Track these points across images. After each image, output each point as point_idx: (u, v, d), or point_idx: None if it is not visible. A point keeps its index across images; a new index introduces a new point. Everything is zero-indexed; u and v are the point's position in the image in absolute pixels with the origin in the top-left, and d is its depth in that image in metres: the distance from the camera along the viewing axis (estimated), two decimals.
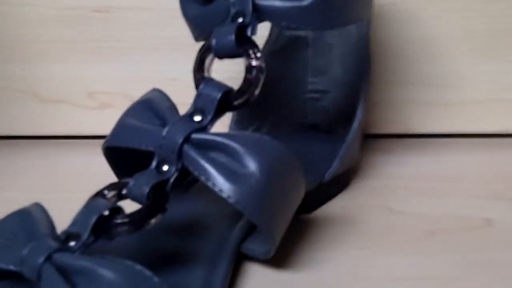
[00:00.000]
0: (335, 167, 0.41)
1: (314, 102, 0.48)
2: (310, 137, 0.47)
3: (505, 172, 0.46)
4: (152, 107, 0.34)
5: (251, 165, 0.30)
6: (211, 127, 0.32)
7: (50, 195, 0.41)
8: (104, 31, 0.52)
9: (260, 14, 0.33)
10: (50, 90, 0.55)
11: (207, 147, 0.30)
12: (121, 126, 0.34)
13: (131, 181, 0.30)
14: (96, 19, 0.52)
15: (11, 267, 0.26)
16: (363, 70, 0.43)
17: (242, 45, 0.33)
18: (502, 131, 0.53)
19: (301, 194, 0.34)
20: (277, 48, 0.46)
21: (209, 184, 0.30)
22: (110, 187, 0.30)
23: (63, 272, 0.25)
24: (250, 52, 0.33)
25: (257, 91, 0.32)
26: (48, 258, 0.25)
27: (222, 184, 0.29)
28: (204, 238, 0.35)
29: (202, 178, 0.30)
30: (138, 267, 0.26)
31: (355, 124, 0.42)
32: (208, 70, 0.35)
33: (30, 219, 0.29)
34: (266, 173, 0.30)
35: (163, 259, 0.33)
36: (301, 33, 0.46)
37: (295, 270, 0.35)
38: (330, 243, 0.37)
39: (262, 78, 0.33)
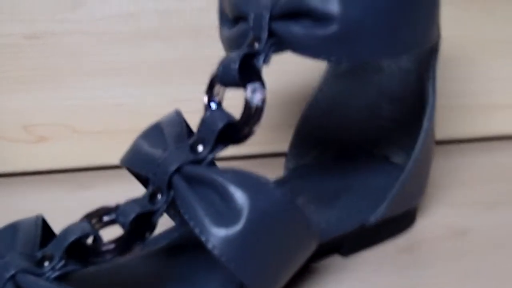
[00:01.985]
0: (382, 209, 0.36)
1: (386, 131, 0.43)
2: (376, 169, 0.42)
3: None
4: (162, 131, 0.32)
5: (240, 210, 0.27)
6: (210, 159, 0.29)
7: None
8: (37, 58, 0.50)
9: (277, 41, 0.29)
10: None
11: (197, 181, 0.28)
12: (132, 147, 0.33)
13: (121, 206, 0.28)
14: (28, 46, 0.49)
15: None
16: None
17: (246, 75, 0.29)
18: None
19: (305, 249, 0.31)
20: (343, 70, 0.42)
21: (191, 224, 0.27)
22: (101, 210, 0.28)
23: None
24: (253, 84, 0.29)
25: (256, 127, 0.29)
26: (13, 277, 0.25)
27: (205, 228, 0.27)
28: None
29: (186, 217, 0.27)
30: None
31: (410, 164, 0.36)
32: (220, 96, 0.31)
33: (16, 233, 0.29)
34: (255, 222, 0.27)
35: None
36: None
37: None
38: None
39: (262, 113, 0.29)
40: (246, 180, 0.27)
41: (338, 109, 0.42)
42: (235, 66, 0.28)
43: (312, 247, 0.31)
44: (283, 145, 0.44)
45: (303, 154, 0.43)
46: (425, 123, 0.35)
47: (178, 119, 0.32)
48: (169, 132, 0.31)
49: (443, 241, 0.38)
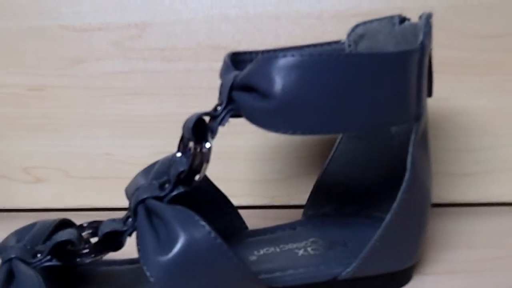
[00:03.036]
0: (353, 267, 0.37)
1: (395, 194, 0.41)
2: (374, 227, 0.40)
3: None
4: (153, 167, 0.37)
5: (175, 240, 0.31)
6: (170, 197, 0.34)
7: None
8: (38, 108, 0.55)
9: (235, 107, 0.33)
10: None
11: (153, 213, 0.33)
12: (133, 178, 0.38)
13: (102, 223, 0.36)
14: (31, 97, 0.55)
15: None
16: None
17: (197, 133, 0.34)
18: None
19: (241, 286, 0.34)
20: (355, 134, 0.45)
21: (138, 249, 0.33)
22: (91, 223, 0.37)
23: (11, 275, 0.34)
24: (200, 140, 0.34)
25: (198, 177, 0.34)
26: (10, 260, 0.34)
27: (146, 255, 0.32)
28: None
29: (137, 241, 0.33)
30: None
31: (380, 230, 0.36)
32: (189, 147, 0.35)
33: (31, 229, 0.37)
34: (185, 251, 0.31)
35: None
36: None
37: None
38: None
39: (204, 165, 0.34)
40: (186, 218, 0.32)
41: (355, 167, 0.45)
42: (191, 125, 0.33)
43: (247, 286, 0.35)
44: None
45: (321, 205, 0.47)
46: (399, 195, 0.36)
47: (170, 159, 0.37)
48: (156, 169, 0.36)
49: None
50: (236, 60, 0.37)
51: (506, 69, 0.51)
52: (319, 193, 0.46)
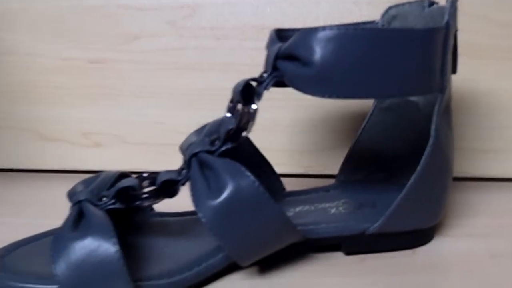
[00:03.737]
0: (379, 223, 0.42)
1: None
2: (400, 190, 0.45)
3: None
4: (205, 127, 0.43)
5: (223, 187, 0.36)
6: (219, 152, 0.39)
7: (51, 221, 0.47)
8: (98, 79, 0.60)
9: (279, 74, 0.38)
10: (50, 129, 0.62)
11: (205, 165, 0.38)
12: (186, 137, 0.43)
13: (160, 173, 0.41)
14: (92, 69, 0.60)
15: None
16: None
17: (246, 95, 0.38)
18: None
19: (278, 232, 0.38)
20: (386, 106, 0.49)
21: (191, 196, 0.37)
22: (150, 174, 0.42)
23: (81, 214, 0.38)
24: (248, 102, 0.38)
25: (245, 133, 0.39)
26: (79, 202, 0.39)
27: (199, 200, 0.37)
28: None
29: (190, 189, 0.38)
30: None
31: (404, 192, 0.41)
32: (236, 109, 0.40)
33: (96, 179, 0.42)
34: (232, 197, 0.36)
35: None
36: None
37: None
38: None
39: (251, 123, 0.38)
40: (234, 170, 0.37)
41: (385, 137, 0.50)
42: (240, 88, 0.38)
43: (290, 235, 0.39)
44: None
45: (354, 171, 0.51)
46: (423, 159, 0.40)
47: (220, 120, 0.42)
48: (207, 129, 0.42)
49: (444, 260, 0.42)
50: (281, 35, 0.41)
51: None
52: (351, 161, 0.51)
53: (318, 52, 0.35)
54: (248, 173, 0.37)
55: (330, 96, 0.36)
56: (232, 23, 0.57)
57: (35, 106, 0.62)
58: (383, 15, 0.45)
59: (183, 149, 0.41)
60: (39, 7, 0.59)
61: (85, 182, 0.43)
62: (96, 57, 0.60)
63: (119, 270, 0.35)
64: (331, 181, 0.53)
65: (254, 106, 0.38)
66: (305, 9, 0.56)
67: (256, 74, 0.56)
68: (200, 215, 0.36)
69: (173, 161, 0.59)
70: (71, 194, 0.41)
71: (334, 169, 0.58)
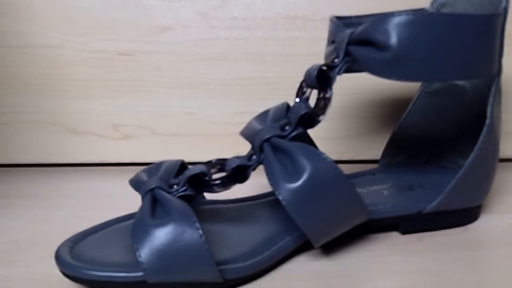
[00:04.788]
0: (436, 202, 0.43)
1: (462, 142, 0.51)
2: (447, 171, 0.51)
3: None
4: (268, 113, 0.43)
5: (303, 171, 0.37)
6: (292, 136, 0.40)
7: (95, 213, 0.49)
8: (127, 71, 0.60)
9: (351, 60, 0.39)
10: (78, 123, 0.62)
11: (279, 150, 0.39)
12: (247, 123, 0.44)
13: (229, 159, 0.41)
14: (121, 61, 0.59)
15: (137, 190, 0.41)
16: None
17: (322, 81, 0.39)
18: None
19: (352, 213, 0.40)
20: (432, 90, 0.50)
21: (269, 180, 0.38)
22: (218, 160, 0.42)
23: (155, 201, 0.39)
24: (324, 87, 0.39)
25: (322, 118, 0.40)
26: (152, 190, 0.39)
27: (278, 183, 0.37)
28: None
29: (267, 174, 0.38)
30: None
31: (462, 171, 0.43)
32: (307, 93, 0.42)
33: (160, 167, 0.43)
34: (312, 180, 0.37)
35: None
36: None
37: None
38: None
39: (327, 108, 0.39)
40: (311, 153, 0.38)
41: (427, 122, 0.51)
42: (314, 73, 0.39)
43: (360, 215, 0.41)
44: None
45: (395, 155, 0.53)
46: (480, 139, 0.42)
47: (282, 107, 0.43)
48: (271, 115, 0.42)
49: (495, 235, 0.45)
50: (345, 22, 0.43)
51: None
52: (394, 144, 0.52)
53: (395, 36, 0.36)
54: (325, 155, 0.38)
55: (406, 79, 0.38)
56: (264, 13, 0.58)
57: (61, 100, 0.61)
58: (432, 3, 0.47)
59: (248, 135, 0.42)
60: None
61: (148, 171, 0.43)
62: (125, 48, 0.59)
63: (204, 254, 0.35)
64: (366, 166, 0.54)
65: (330, 91, 0.39)
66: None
67: (288, 64, 0.58)
68: (280, 197, 0.37)
69: (206, 152, 0.61)
70: (136, 183, 0.41)
71: (367, 154, 0.60)
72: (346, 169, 0.57)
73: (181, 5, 0.58)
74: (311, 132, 0.57)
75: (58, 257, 0.37)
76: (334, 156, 0.60)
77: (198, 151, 0.61)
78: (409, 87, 0.56)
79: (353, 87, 0.58)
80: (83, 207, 0.53)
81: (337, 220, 0.40)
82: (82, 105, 0.61)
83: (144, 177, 0.42)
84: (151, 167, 0.43)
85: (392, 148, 0.52)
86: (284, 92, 0.58)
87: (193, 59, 0.59)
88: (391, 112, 0.59)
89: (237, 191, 0.44)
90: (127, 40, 0.59)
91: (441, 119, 0.51)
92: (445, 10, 0.46)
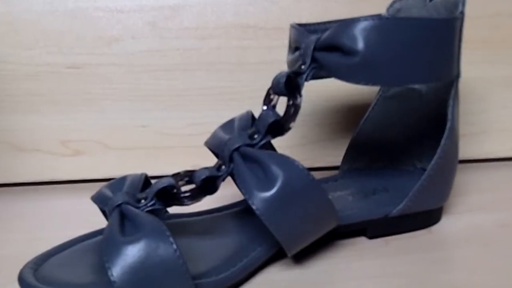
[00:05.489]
0: (403, 205, 0.44)
1: (421, 145, 0.51)
2: (409, 175, 0.51)
3: None
4: (234, 123, 0.42)
5: (275, 179, 0.36)
6: (261, 144, 0.39)
7: (50, 233, 0.47)
8: (76, 85, 0.58)
9: (318, 66, 0.39)
10: (25, 139, 0.59)
11: (249, 159, 0.38)
12: (212, 133, 0.43)
13: (197, 171, 0.40)
14: (69, 74, 0.57)
15: (101, 206, 0.40)
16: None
17: (290, 88, 0.39)
18: None
19: (325, 220, 0.40)
20: (390, 95, 0.50)
21: (242, 190, 0.37)
22: (186, 172, 0.40)
23: (124, 217, 0.37)
24: (293, 94, 0.39)
25: (291, 125, 0.39)
26: (119, 205, 0.37)
27: (251, 192, 0.36)
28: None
29: (239, 184, 0.37)
30: None
31: (426, 172, 0.43)
32: (274, 101, 0.41)
33: (124, 181, 0.41)
34: (285, 188, 0.36)
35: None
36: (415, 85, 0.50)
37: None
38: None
39: (297, 115, 0.39)
40: (283, 160, 0.37)
41: (386, 126, 0.51)
42: (283, 80, 0.39)
43: (332, 221, 0.41)
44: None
45: (355, 160, 0.53)
46: (442, 141, 0.43)
47: (247, 115, 0.42)
48: (238, 124, 0.41)
49: (458, 235, 0.46)
50: (309, 29, 0.43)
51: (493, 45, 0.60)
52: (354, 150, 0.52)
53: (362, 41, 0.37)
54: (297, 162, 0.37)
55: (374, 83, 0.38)
56: (215, 22, 0.57)
57: (7, 116, 0.58)
58: (388, 9, 0.47)
59: (214, 145, 0.41)
60: (12, 11, 0.56)
61: (111, 187, 0.41)
62: (73, 61, 0.57)
63: (180, 269, 0.34)
64: (324, 173, 0.55)
65: (299, 98, 0.39)
66: (287, 7, 0.58)
67: (242, 73, 0.58)
68: (254, 207, 0.36)
69: (160, 165, 0.59)
70: (101, 199, 0.40)
71: (324, 161, 0.60)
72: None
73: (129, 16, 0.57)
74: None
75: (22, 281, 0.36)
76: None
77: (153, 165, 0.60)
78: (365, 93, 0.57)
79: (307, 94, 0.58)
80: (38, 228, 0.50)
81: (311, 227, 0.39)
82: (29, 121, 0.58)
83: (108, 193, 0.40)
84: (114, 182, 0.42)
85: (352, 153, 0.53)
86: (238, 102, 0.58)
87: (144, 70, 0.58)
88: (346, 118, 0.59)
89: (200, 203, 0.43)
90: (75, 52, 0.57)
91: (399, 123, 0.51)
92: (401, 16, 0.47)
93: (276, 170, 0.37)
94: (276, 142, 0.59)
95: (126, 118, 0.59)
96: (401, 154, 0.53)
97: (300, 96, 0.39)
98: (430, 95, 0.49)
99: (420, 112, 0.50)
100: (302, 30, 0.42)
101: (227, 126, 0.43)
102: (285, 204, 0.37)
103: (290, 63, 0.43)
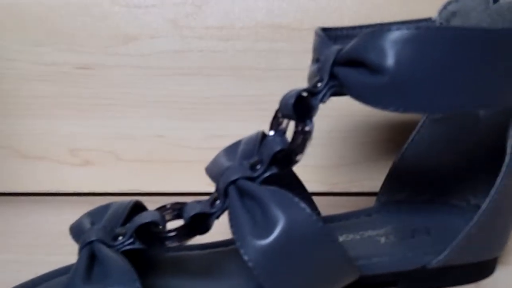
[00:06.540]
0: (445, 255, 0.36)
1: (476, 179, 0.42)
2: (458, 215, 0.43)
3: None
4: (239, 147, 0.36)
5: (275, 224, 0.29)
6: (263, 178, 0.32)
7: (33, 256, 0.43)
8: (87, 88, 0.53)
9: (337, 84, 0.31)
10: (31, 146, 0.55)
11: (247, 195, 0.31)
12: (214, 157, 0.37)
13: (187, 204, 0.34)
14: (80, 76, 0.53)
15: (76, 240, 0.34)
16: None
17: (300, 111, 0.32)
18: None
19: (336, 275, 0.33)
20: (440, 117, 0.43)
21: (233, 232, 0.31)
22: (174, 204, 0.34)
23: (93, 258, 0.31)
24: (302, 118, 0.32)
25: (299, 157, 0.32)
26: (90, 243, 0.32)
27: (243, 238, 0.30)
28: None
29: (231, 223, 0.31)
30: None
31: (476, 216, 0.35)
32: (283, 125, 0.34)
33: (106, 211, 0.36)
34: (286, 235, 0.30)
35: None
36: None
37: None
38: None
39: (306, 144, 0.32)
40: (285, 200, 0.30)
41: (434, 152, 0.44)
42: (291, 101, 0.31)
43: (347, 276, 0.33)
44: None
45: (396, 191, 0.45)
46: (498, 180, 0.34)
47: (255, 138, 0.35)
48: (242, 149, 0.35)
49: None
50: (329, 36, 0.35)
51: None
52: (394, 178, 0.45)
53: (392, 56, 0.29)
54: (303, 205, 0.30)
55: (405, 109, 0.30)
56: (243, 21, 0.51)
57: (12, 120, 0.54)
58: (440, 12, 0.39)
59: (213, 174, 0.35)
60: (20, 3, 0.52)
61: (92, 215, 0.36)
62: (85, 62, 0.53)
63: None
64: (359, 199, 0.48)
65: (310, 123, 0.31)
66: (327, 4, 0.50)
67: (272, 80, 0.51)
68: (245, 257, 0.29)
69: (176, 181, 0.54)
70: (76, 232, 0.34)
71: (361, 186, 0.52)
72: (338, 202, 0.51)
73: (148, 12, 0.51)
74: None
75: None
76: (324, 188, 0.54)
77: (167, 180, 0.55)
78: None
79: (346, 107, 0.51)
80: (32, 248, 0.46)
81: (319, 284, 0.32)
82: (35, 126, 0.54)
83: (86, 223, 0.35)
84: (97, 211, 0.36)
85: (392, 182, 0.45)
86: (267, 113, 0.50)
87: (162, 73, 0.53)
88: (392, 137, 0.52)
89: None
90: (87, 51, 0.53)
91: (449, 150, 0.43)
92: (456, 20, 0.39)
93: (276, 213, 0.30)
94: (309, 161, 0.53)
95: (141, 127, 0.54)
96: (451, 186, 0.44)
97: (311, 121, 0.32)
98: (488, 119, 0.41)
99: (475, 139, 0.42)
100: (323, 37, 0.34)
101: (231, 150, 0.36)
102: (285, 256, 0.30)
103: (309, 77, 0.35)
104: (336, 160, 0.53)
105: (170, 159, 0.54)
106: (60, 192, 0.56)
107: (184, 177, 0.54)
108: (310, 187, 0.51)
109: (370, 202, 0.46)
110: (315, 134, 0.51)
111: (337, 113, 0.52)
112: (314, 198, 0.44)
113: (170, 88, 0.53)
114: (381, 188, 0.45)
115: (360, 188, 0.53)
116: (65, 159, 0.55)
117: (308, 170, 0.53)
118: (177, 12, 0.51)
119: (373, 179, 0.52)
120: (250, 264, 0.29)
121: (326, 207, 0.45)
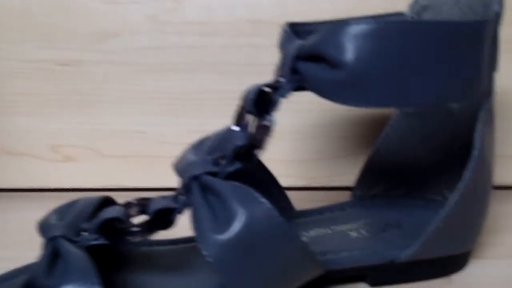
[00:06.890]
0: (413, 249, 0.36)
1: (450, 172, 0.41)
2: (430, 209, 0.42)
3: None
4: (205, 142, 0.36)
5: (234, 218, 0.29)
6: (226, 173, 0.32)
7: (16, 252, 0.41)
8: (69, 84, 0.53)
9: (299, 79, 0.31)
10: (14, 142, 0.55)
11: (208, 190, 0.31)
12: (181, 152, 0.37)
13: (151, 200, 0.34)
14: (61, 73, 0.53)
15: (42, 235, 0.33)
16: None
17: (260, 105, 0.32)
18: None
19: (298, 268, 0.32)
20: (412, 111, 0.42)
21: (193, 225, 0.31)
22: (139, 200, 0.35)
23: (56, 254, 0.31)
24: (261, 113, 0.32)
25: (259, 151, 0.32)
26: (54, 239, 0.32)
27: (203, 233, 0.30)
28: None
29: (191, 217, 0.31)
30: None
31: (444, 211, 0.35)
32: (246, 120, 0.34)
33: (73, 207, 0.35)
34: (245, 229, 0.30)
35: None
36: None
37: None
38: None
39: (266, 139, 0.32)
40: (245, 195, 0.30)
41: (409, 146, 0.43)
42: (252, 96, 0.32)
43: (311, 270, 0.33)
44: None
45: (371, 185, 0.45)
46: (467, 174, 0.34)
47: (223, 133, 0.35)
48: (210, 145, 0.35)
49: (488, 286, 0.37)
50: (297, 30, 0.35)
51: None
52: (369, 173, 0.45)
53: (351, 51, 0.28)
54: (263, 199, 0.30)
55: (366, 104, 0.30)
56: (223, 17, 0.51)
57: None
58: (412, 6, 0.39)
59: (179, 169, 0.34)
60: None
61: (59, 212, 0.36)
62: (66, 58, 0.52)
63: None
64: (337, 194, 0.48)
65: (270, 118, 0.31)
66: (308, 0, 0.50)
67: (251, 75, 0.51)
68: (204, 252, 0.29)
69: (157, 177, 0.53)
70: (43, 227, 0.34)
71: (341, 180, 0.52)
72: (316, 197, 0.51)
73: (128, 8, 0.51)
74: (275, 154, 0.48)
75: None
76: (303, 182, 0.54)
77: (150, 176, 0.55)
78: None
79: (326, 101, 0.50)
80: (12, 244, 0.46)
81: (278, 279, 0.32)
82: (16, 123, 0.54)
83: (52, 219, 0.35)
84: (64, 206, 0.36)
85: (367, 177, 0.45)
86: None
87: (142, 69, 0.52)
88: (372, 132, 0.52)
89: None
90: (68, 48, 0.52)
91: (424, 145, 0.43)
92: (428, 14, 0.38)
93: (236, 208, 0.30)
94: (288, 155, 0.53)
95: (122, 122, 0.54)
96: (426, 180, 0.44)
97: (272, 116, 0.31)
98: (464, 112, 0.40)
99: (450, 132, 0.41)
100: (288, 32, 0.34)
101: (199, 145, 0.36)
102: (244, 251, 0.30)
103: (275, 71, 0.35)
104: (314, 155, 0.53)
105: (152, 154, 0.54)
106: (42, 188, 0.56)
107: (165, 173, 0.53)
108: (288, 181, 0.52)
109: (348, 196, 0.46)
110: (294, 129, 0.52)
111: (316, 107, 0.52)
112: (292, 192, 0.44)
113: (151, 84, 0.52)
114: (356, 182, 0.45)
115: (338, 183, 0.53)
116: (47, 155, 0.55)
117: (286, 164, 0.53)
118: (157, 7, 0.51)
119: (351, 173, 0.51)
120: (209, 259, 0.29)
121: (304, 201, 0.45)
